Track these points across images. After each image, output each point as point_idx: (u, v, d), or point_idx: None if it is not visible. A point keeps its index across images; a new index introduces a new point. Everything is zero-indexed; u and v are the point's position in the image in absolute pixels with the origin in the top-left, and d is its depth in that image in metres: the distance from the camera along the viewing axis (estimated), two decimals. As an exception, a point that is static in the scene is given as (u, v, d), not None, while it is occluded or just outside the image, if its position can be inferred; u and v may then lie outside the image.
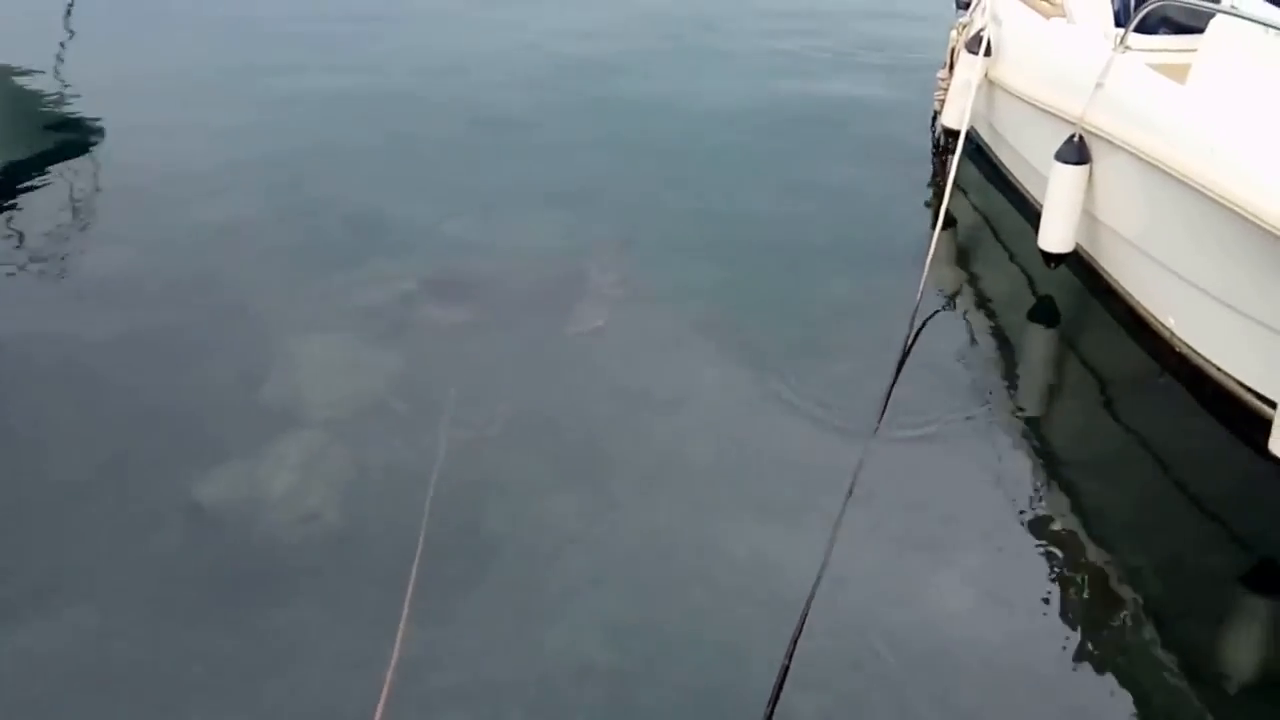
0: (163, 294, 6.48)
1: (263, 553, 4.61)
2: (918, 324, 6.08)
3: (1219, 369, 5.58)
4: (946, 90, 8.24)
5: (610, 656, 4.14)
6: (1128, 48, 6.27)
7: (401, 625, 4.18)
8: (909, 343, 5.93)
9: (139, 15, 12.06)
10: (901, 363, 5.81)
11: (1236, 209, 4.99)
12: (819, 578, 4.42)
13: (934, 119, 8.69)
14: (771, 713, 3.90)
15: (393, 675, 3.97)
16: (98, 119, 9.06)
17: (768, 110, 9.34)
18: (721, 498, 4.95)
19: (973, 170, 8.21)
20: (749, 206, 7.65)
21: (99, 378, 5.71)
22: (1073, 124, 6.32)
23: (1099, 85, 6.19)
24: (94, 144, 8.65)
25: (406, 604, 4.26)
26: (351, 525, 4.75)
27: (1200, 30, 5.87)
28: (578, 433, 5.35)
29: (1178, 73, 5.92)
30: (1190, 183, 5.33)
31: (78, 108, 9.42)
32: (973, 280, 7.15)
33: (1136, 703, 4.06)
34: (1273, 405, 4.79)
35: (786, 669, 4.03)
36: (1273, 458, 4.66)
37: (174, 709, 3.97)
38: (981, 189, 8.05)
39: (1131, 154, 5.88)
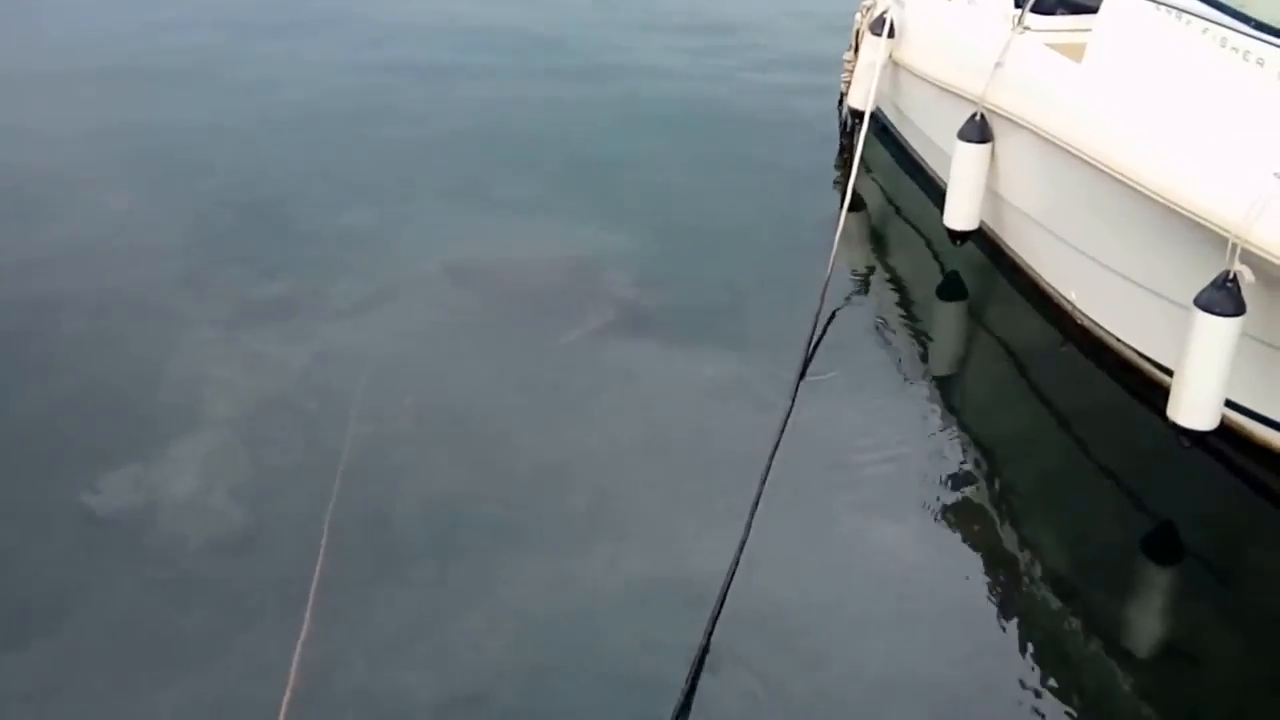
0: (49, 293, 6.20)
1: (161, 560, 4.46)
2: (827, 303, 6.12)
3: (1118, 339, 5.74)
4: (852, 72, 8.32)
5: (525, 651, 4.10)
6: (1026, 28, 6.40)
7: (304, 627, 4.09)
8: (817, 322, 5.97)
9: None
10: (810, 342, 5.84)
11: (1130, 183, 5.13)
12: (735, 561, 4.43)
13: (841, 101, 8.77)
14: (689, 700, 3.90)
15: (295, 678, 3.89)
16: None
17: (675, 98, 9.31)
18: (635, 482, 4.93)
19: (881, 151, 8.31)
20: (654, 192, 7.62)
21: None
22: (974, 103, 6.43)
23: (998, 65, 6.31)
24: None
25: (310, 605, 4.18)
26: (254, 527, 4.63)
27: (1096, 10, 6.01)
28: (487, 422, 5.29)
29: (1075, 52, 6.06)
30: (1086, 159, 5.47)
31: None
32: (881, 258, 7.25)
33: (1046, 670, 4.15)
34: (1170, 373, 4.94)
35: (704, 652, 4.04)
36: (1171, 424, 4.80)
37: (73, 720, 3.84)
38: (889, 169, 8.15)
39: (1031, 132, 6.01)
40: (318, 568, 4.36)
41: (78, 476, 4.82)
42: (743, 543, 4.52)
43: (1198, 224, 4.73)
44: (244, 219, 7.11)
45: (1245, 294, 4.52)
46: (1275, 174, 4.52)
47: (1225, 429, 4.90)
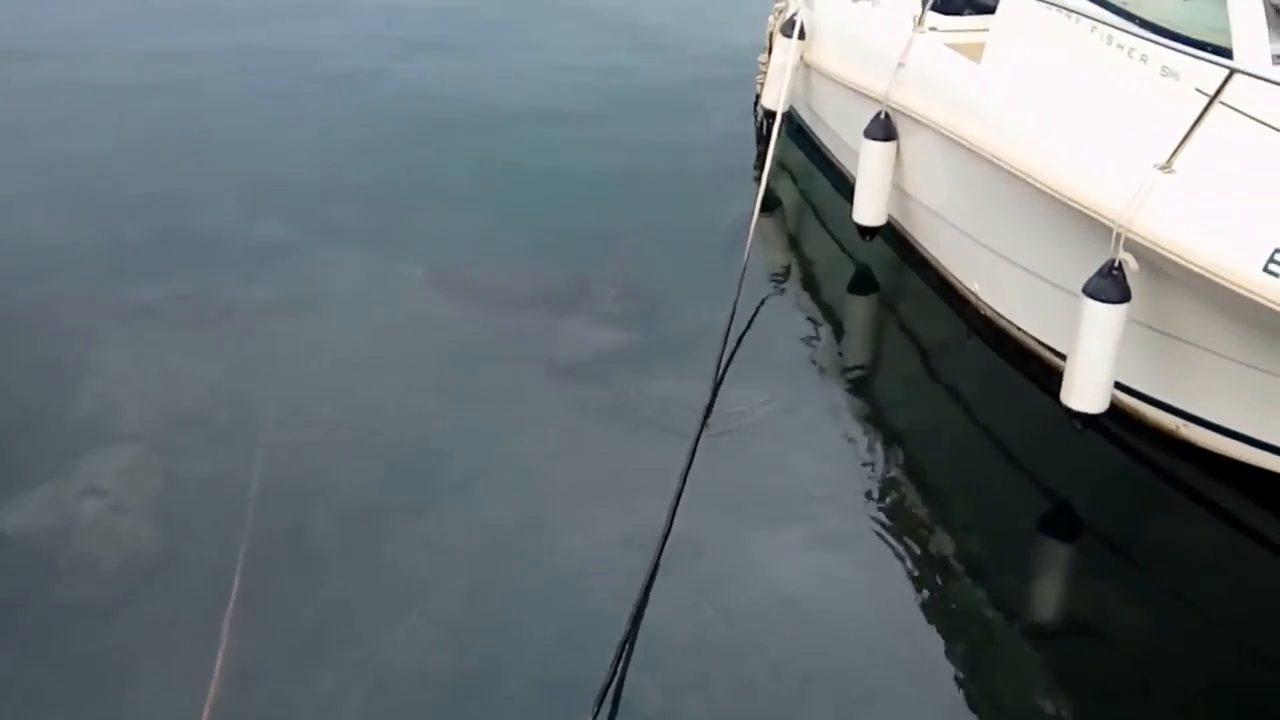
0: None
1: (74, 581, 4.42)
2: (742, 300, 6.22)
3: (1019, 329, 5.93)
4: (766, 73, 8.46)
5: (446, 656, 4.13)
6: (927, 28, 6.59)
7: (223, 637, 4.09)
8: (733, 318, 6.05)
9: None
10: (725, 338, 5.92)
11: (1024, 178, 5.31)
12: (655, 560, 4.49)
13: (756, 102, 8.92)
14: (612, 696, 3.95)
15: (216, 688, 3.90)
16: None
17: (587, 101, 9.38)
18: (553, 485, 4.97)
19: (796, 151, 8.48)
20: (568, 195, 7.69)
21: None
22: (879, 102, 6.60)
23: (901, 65, 6.48)
24: None
25: (228, 615, 4.18)
26: (170, 543, 4.60)
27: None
28: (404, 432, 5.30)
29: (975, 51, 6.25)
30: (984, 155, 5.65)
31: None
32: (794, 255, 7.39)
33: (957, 650, 4.29)
34: (1066, 359, 5.12)
35: (623, 651, 4.09)
36: (1064, 408, 4.98)
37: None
38: (804, 168, 8.31)
39: (933, 130, 6.19)
40: (235, 579, 4.35)
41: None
42: (664, 537, 4.59)
43: (1085, 215, 4.92)
44: (150, 231, 7.05)
45: (1130, 281, 4.71)
46: (1156, 166, 4.71)
47: (1116, 411, 5.11)
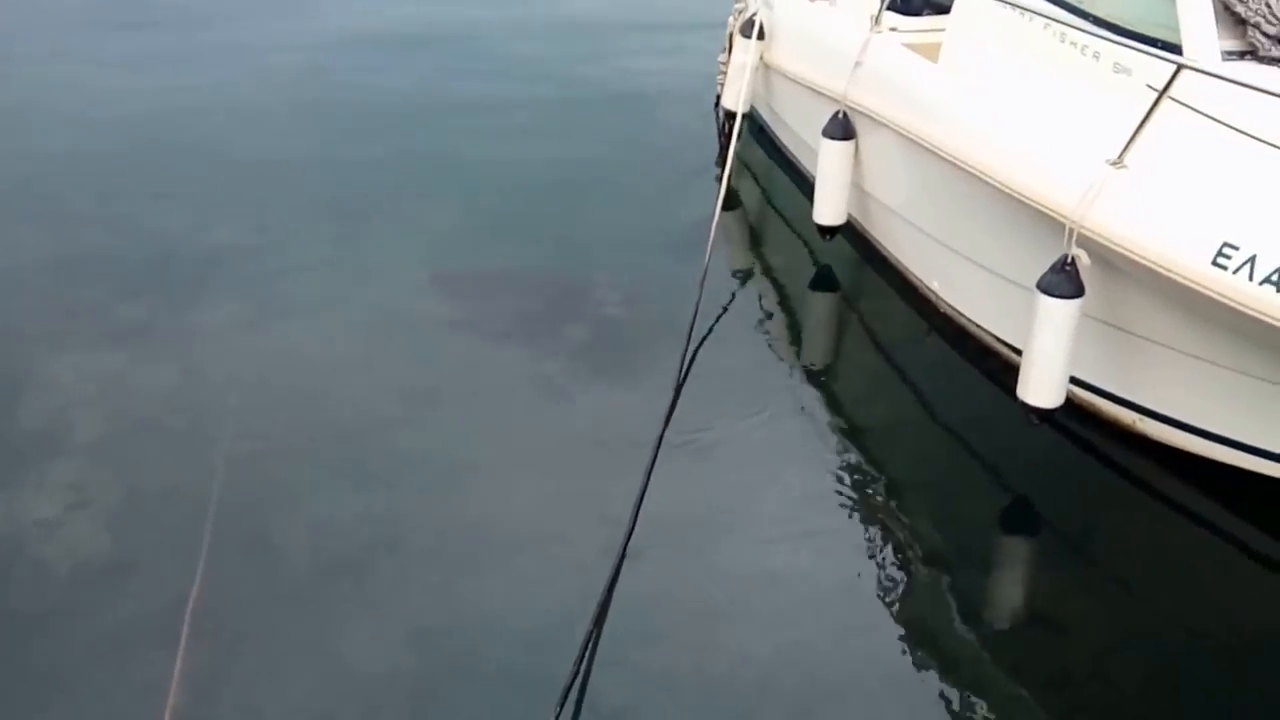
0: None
1: (28, 591, 4.36)
2: (704, 299, 6.23)
3: (978, 326, 5.98)
4: (726, 74, 8.49)
5: (410, 662, 4.11)
6: (885, 28, 6.63)
7: (182, 645, 4.05)
8: (695, 318, 6.05)
9: None
10: (689, 337, 5.92)
11: (981, 175, 5.36)
12: (619, 560, 4.49)
13: (717, 102, 8.94)
14: (576, 695, 3.95)
15: (175, 697, 3.86)
16: None
17: (548, 101, 9.38)
18: (518, 491, 4.95)
19: (757, 151, 8.51)
20: (527, 196, 7.67)
21: None
22: (837, 101, 6.64)
23: (858, 64, 6.52)
24: None
25: (186, 624, 4.14)
26: (127, 552, 4.55)
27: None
28: (364, 435, 5.27)
29: (932, 51, 6.29)
30: (941, 154, 5.69)
31: None
32: (756, 254, 7.42)
33: (919, 643, 4.32)
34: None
35: (586, 650, 4.09)
36: (1021, 403, 5.02)
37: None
38: (765, 168, 8.35)
39: (891, 129, 6.22)
40: (195, 587, 4.31)
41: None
42: (627, 537, 4.60)
43: (1039, 212, 4.96)
44: (103, 236, 6.98)
45: (1083, 276, 4.76)
46: (1108, 162, 4.76)
47: (1072, 406, 5.16)
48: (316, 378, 5.68)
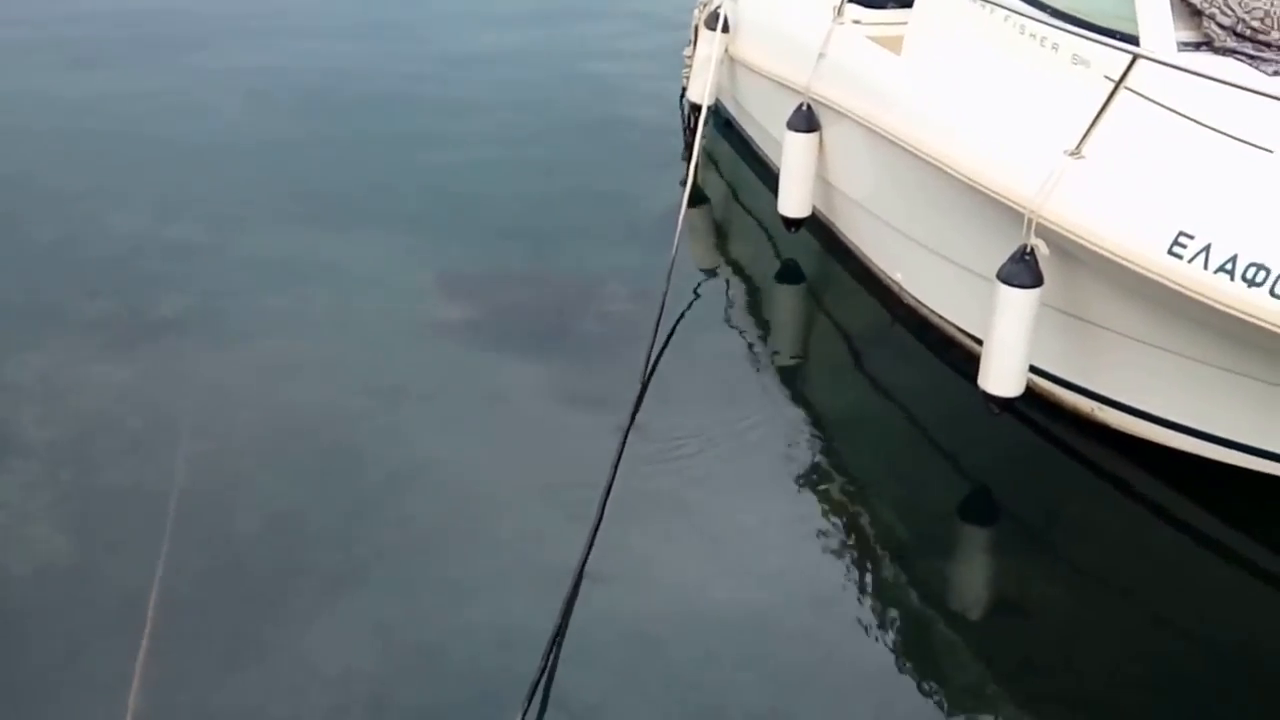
0: None
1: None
2: (671, 292, 6.23)
3: (941, 316, 6.02)
4: (692, 67, 8.48)
5: (373, 658, 4.09)
6: (847, 21, 6.65)
7: (143, 647, 4.02)
8: (662, 311, 6.04)
9: None
10: (655, 329, 5.91)
11: (942, 166, 5.39)
12: (584, 556, 4.48)
13: (682, 95, 8.94)
14: (543, 691, 3.94)
15: (135, 700, 3.83)
16: None
17: (514, 94, 9.34)
18: (481, 488, 4.93)
19: (723, 144, 8.52)
20: (497, 188, 7.63)
21: None
22: (801, 94, 6.65)
23: (822, 56, 6.54)
24: None
25: (148, 626, 4.10)
26: (86, 553, 4.50)
27: None
28: (323, 433, 5.23)
29: (896, 44, 6.32)
30: (905, 146, 5.72)
31: None
32: (722, 247, 7.43)
33: (886, 631, 4.35)
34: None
35: (553, 647, 4.08)
36: (982, 392, 5.06)
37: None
38: (731, 161, 8.35)
39: (854, 121, 6.25)
40: (155, 587, 4.28)
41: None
42: (594, 529, 4.59)
43: (998, 202, 5.00)
44: (60, 235, 6.90)
45: (1042, 266, 4.80)
46: (1066, 152, 4.80)
47: (1033, 395, 5.20)
48: (276, 376, 5.63)
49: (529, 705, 3.84)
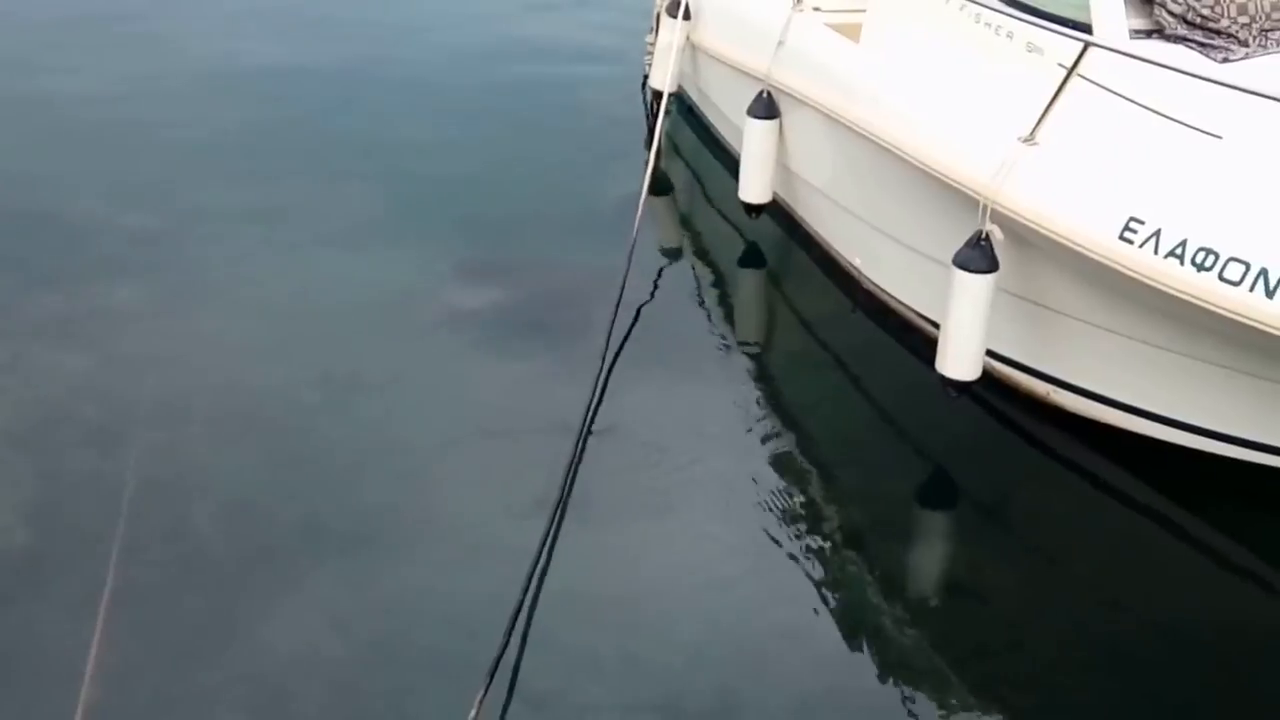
0: None
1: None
2: (631, 278, 6.21)
3: (899, 301, 6.07)
4: (654, 54, 8.48)
5: (332, 644, 4.08)
6: (807, 8, 6.67)
7: (96, 636, 3.98)
8: (621, 297, 6.03)
9: None
10: (614, 318, 5.91)
11: (898, 153, 5.43)
12: (544, 541, 4.48)
13: (644, 83, 8.94)
14: (501, 679, 3.94)
15: (89, 689, 3.79)
16: None
17: (475, 81, 9.30)
18: (439, 474, 4.93)
19: (685, 130, 8.53)
20: (453, 176, 7.59)
21: None
22: (761, 81, 6.67)
23: (781, 44, 6.56)
24: None
25: (102, 614, 4.07)
26: (38, 542, 4.46)
27: None
28: (280, 420, 5.21)
29: (854, 31, 6.35)
30: (862, 133, 5.76)
31: None
32: (683, 233, 7.45)
33: (843, 616, 4.38)
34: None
35: (513, 625, 4.08)
36: (939, 376, 5.11)
37: None
38: (693, 147, 8.37)
39: (813, 108, 6.28)
40: (109, 577, 4.24)
41: None
42: (552, 518, 4.59)
43: (954, 188, 5.05)
44: (9, 218, 6.81)
45: (997, 251, 4.85)
46: (1020, 139, 4.85)
47: (989, 378, 5.26)
48: (232, 364, 5.59)
49: (486, 691, 3.83)
